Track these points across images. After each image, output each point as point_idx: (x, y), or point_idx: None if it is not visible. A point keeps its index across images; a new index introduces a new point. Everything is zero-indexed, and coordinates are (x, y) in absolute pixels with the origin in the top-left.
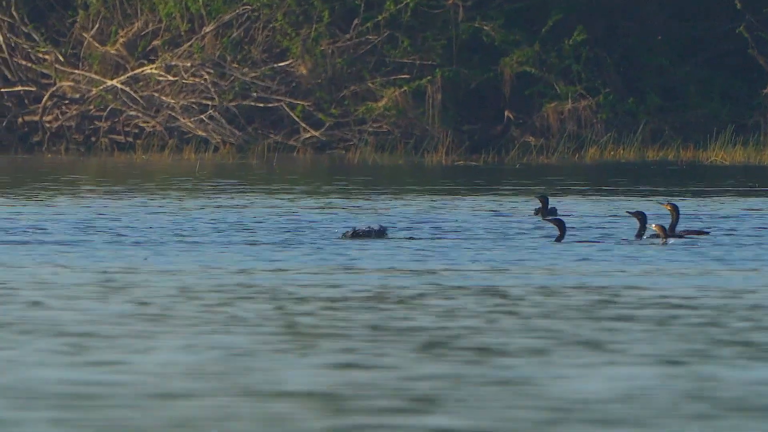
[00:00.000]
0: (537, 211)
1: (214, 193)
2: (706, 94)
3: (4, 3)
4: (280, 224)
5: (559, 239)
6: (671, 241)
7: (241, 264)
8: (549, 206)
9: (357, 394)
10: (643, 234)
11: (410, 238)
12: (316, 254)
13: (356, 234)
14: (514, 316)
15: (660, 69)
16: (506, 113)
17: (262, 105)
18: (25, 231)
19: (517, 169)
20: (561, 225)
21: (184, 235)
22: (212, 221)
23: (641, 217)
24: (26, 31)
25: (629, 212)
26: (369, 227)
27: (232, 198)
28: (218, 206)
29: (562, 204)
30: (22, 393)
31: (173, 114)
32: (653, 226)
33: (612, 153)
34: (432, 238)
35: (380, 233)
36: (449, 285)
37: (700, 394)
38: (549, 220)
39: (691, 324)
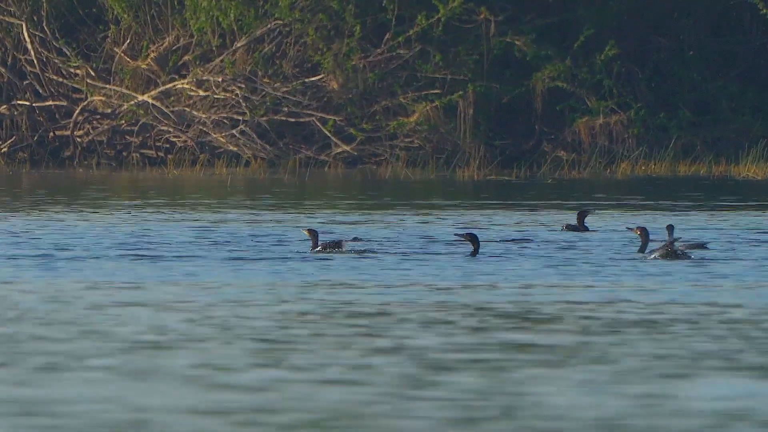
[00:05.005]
0: (565, 227)
1: (245, 208)
2: (737, 109)
3: (35, 18)
4: (262, 237)
5: (473, 254)
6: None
7: (199, 277)
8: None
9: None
10: (645, 249)
11: (370, 251)
12: (279, 268)
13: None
14: (465, 329)
15: (692, 84)
16: (538, 128)
17: (293, 120)
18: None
19: (549, 183)
20: (474, 239)
21: (168, 248)
22: (221, 235)
23: (644, 232)
24: (58, 46)
25: (629, 228)
26: (328, 241)
27: (258, 214)
28: (244, 221)
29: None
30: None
31: (204, 129)
32: (635, 229)
33: (643, 168)
34: (388, 253)
35: (338, 246)
36: (404, 300)
37: (668, 411)
38: (461, 236)
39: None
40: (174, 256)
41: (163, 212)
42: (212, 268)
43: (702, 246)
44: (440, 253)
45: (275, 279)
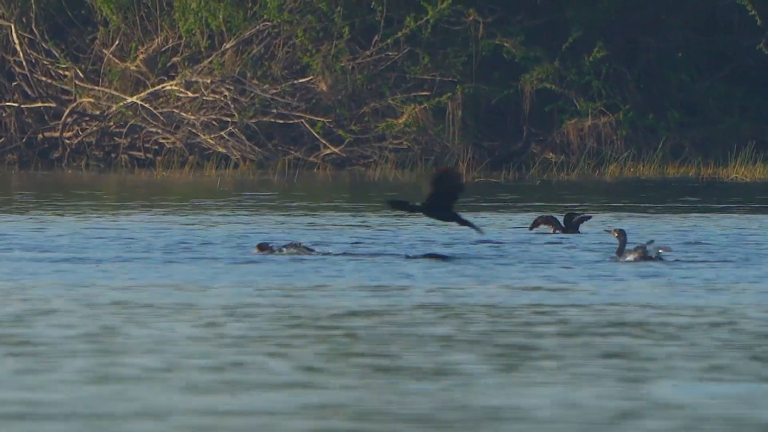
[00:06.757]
0: (534, 225)
1: (230, 209)
2: (726, 110)
3: (24, 20)
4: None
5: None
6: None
7: (147, 280)
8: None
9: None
10: (623, 252)
11: (328, 253)
12: (228, 270)
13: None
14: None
15: (680, 85)
16: (526, 129)
17: (282, 121)
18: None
19: (537, 185)
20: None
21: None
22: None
23: (621, 234)
24: (46, 47)
25: (607, 230)
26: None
27: (247, 215)
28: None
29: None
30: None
31: (193, 130)
32: (613, 231)
33: (632, 170)
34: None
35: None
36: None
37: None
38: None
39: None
40: (149, 257)
41: (149, 213)
42: (179, 270)
43: (669, 249)
44: (414, 257)
45: (232, 281)
